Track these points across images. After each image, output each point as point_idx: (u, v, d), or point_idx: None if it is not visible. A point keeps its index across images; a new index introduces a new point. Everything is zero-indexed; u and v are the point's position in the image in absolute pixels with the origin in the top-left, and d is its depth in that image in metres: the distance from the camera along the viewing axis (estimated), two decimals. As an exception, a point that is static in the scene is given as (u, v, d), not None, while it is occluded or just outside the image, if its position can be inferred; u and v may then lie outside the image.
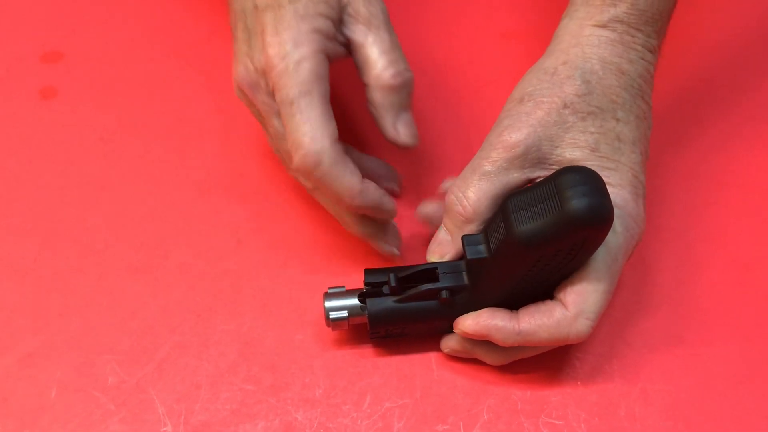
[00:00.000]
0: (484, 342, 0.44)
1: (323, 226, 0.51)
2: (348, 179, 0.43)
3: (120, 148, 0.55)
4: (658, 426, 0.44)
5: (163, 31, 0.61)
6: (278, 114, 0.45)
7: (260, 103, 0.46)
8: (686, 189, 0.53)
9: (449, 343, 0.45)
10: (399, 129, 0.47)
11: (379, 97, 0.46)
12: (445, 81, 0.57)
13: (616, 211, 0.41)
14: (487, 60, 0.60)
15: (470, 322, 0.42)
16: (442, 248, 0.45)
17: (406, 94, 0.47)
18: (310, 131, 0.42)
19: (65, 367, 0.46)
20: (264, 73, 0.44)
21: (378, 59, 0.46)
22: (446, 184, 0.48)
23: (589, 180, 0.38)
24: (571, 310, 0.41)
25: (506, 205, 0.40)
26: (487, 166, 0.43)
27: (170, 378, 0.45)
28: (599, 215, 0.37)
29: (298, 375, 0.46)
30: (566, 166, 0.42)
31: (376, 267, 0.45)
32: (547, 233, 0.38)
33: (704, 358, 0.46)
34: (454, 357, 0.46)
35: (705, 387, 0.45)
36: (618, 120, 0.43)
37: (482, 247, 0.41)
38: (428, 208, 0.48)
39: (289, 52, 0.43)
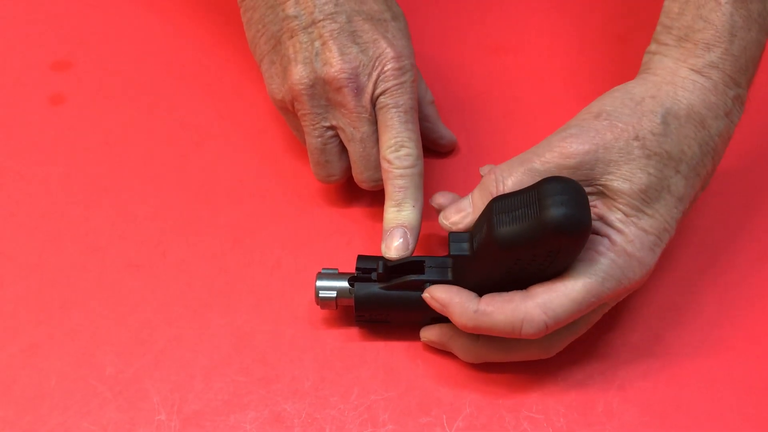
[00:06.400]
0: (458, 336, 0.45)
1: (315, 228, 0.53)
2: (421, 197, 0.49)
3: (123, 152, 0.57)
4: (635, 421, 0.45)
5: (167, 42, 0.64)
6: (368, 115, 0.48)
7: (356, 106, 0.48)
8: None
9: (427, 333, 0.47)
10: (447, 131, 0.56)
11: (432, 111, 0.55)
12: (440, 91, 0.59)
13: (628, 247, 0.42)
14: (480, 72, 0.62)
15: (438, 291, 0.43)
16: (461, 214, 0.45)
17: None
18: (417, 144, 0.48)
19: (66, 358, 0.48)
20: (364, 71, 0.48)
21: (420, 81, 0.54)
22: (485, 169, 0.49)
23: (570, 191, 0.39)
24: (532, 298, 0.41)
25: (491, 207, 0.41)
26: (537, 164, 0.43)
27: (166, 369, 0.47)
28: (574, 225, 0.38)
29: (288, 368, 0.47)
30: (554, 175, 0.42)
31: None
32: (523, 237, 0.39)
33: (681, 358, 0.48)
34: (438, 352, 0.48)
35: (681, 385, 0.47)
36: (678, 172, 0.42)
37: (466, 245, 0.43)
38: (441, 198, 0.49)
39: (410, 59, 0.49)
